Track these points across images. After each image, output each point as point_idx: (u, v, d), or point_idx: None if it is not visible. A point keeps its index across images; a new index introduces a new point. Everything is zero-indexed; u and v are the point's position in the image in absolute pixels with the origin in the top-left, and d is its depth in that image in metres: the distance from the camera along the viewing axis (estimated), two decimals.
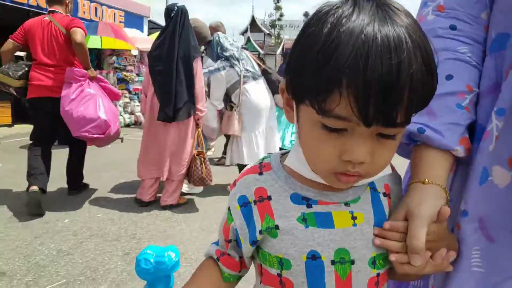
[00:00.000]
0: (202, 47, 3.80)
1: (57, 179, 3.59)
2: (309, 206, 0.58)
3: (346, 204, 0.58)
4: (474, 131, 0.65)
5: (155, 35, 10.88)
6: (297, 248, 0.56)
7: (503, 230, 0.56)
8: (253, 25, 34.63)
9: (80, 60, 3.15)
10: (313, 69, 0.45)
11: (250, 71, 3.52)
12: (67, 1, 3.29)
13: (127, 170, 4.29)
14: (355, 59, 0.42)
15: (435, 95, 0.52)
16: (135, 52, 9.21)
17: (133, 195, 3.46)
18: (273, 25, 34.33)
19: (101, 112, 3.07)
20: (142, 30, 11.10)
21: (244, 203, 0.60)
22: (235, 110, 3.50)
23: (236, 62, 3.46)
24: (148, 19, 12.11)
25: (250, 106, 3.52)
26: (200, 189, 3.71)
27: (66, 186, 3.56)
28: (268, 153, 0.67)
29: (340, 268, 0.57)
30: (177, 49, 3.12)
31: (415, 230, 0.53)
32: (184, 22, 3.18)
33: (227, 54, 3.45)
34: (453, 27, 0.64)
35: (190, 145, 3.29)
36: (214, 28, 3.85)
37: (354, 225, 0.57)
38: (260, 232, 0.59)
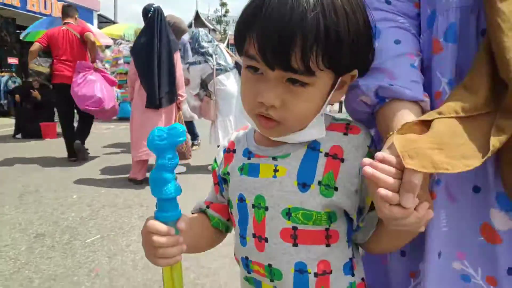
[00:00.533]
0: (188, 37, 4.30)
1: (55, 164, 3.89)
2: (249, 158, 0.67)
3: (274, 158, 0.64)
4: None
5: (107, 29, 10.86)
6: (234, 191, 0.68)
7: (464, 190, 0.59)
8: (197, 20, 34.63)
9: (91, 54, 4.56)
10: (239, 18, 0.58)
11: (222, 64, 4.09)
12: (76, 16, 4.75)
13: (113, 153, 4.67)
14: (258, 7, 0.52)
15: (390, 56, 0.60)
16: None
17: (126, 175, 3.89)
18: (219, 21, 34.60)
19: (97, 91, 4.33)
20: (92, 24, 11.02)
21: (223, 152, 0.74)
22: (212, 99, 4.05)
23: (210, 58, 4.02)
24: (98, 13, 12.02)
25: (224, 94, 4.10)
26: (183, 168, 4.24)
27: (65, 170, 3.90)
28: None
29: (257, 212, 0.64)
30: (158, 45, 3.59)
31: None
32: (161, 21, 3.67)
33: (202, 50, 4.01)
34: (388, 2, 0.67)
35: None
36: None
37: (274, 176, 0.63)
38: (219, 175, 0.73)
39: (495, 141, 0.49)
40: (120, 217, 2.88)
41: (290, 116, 0.57)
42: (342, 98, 0.69)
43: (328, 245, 0.62)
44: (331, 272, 0.63)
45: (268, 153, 0.65)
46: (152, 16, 3.60)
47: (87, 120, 4.81)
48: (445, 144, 0.49)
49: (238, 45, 0.59)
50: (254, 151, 0.67)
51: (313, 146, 0.63)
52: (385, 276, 0.74)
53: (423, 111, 0.60)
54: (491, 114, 0.53)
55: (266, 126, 0.60)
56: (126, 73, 7.73)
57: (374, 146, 0.64)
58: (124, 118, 8.43)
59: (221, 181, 0.72)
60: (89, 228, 2.67)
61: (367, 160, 0.50)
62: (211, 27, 35.81)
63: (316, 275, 0.62)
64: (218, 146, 4.24)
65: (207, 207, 0.74)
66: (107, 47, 9.97)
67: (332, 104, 0.78)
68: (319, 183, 0.61)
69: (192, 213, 0.75)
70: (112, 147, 5.83)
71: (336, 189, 0.61)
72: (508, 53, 0.50)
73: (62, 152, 4.79)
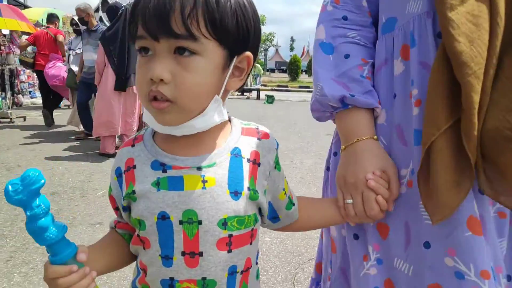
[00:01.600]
0: None
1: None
2: (164, 171, 0.60)
3: (199, 168, 0.60)
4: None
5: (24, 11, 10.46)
6: (149, 209, 0.60)
7: None
8: (104, 4, 32.94)
9: (61, 50, 6.35)
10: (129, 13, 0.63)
11: None
12: (56, 22, 6.66)
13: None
14: None
15: (343, 71, 0.74)
16: (6, 31, 8.85)
17: (96, 151, 4.43)
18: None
19: (62, 72, 6.01)
20: None
21: (119, 174, 0.64)
22: None
23: None
24: None
25: None
26: None
27: (33, 148, 4.26)
28: (145, 128, 0.69)
29: (188, 227, 0.59)
30: (127, 37, 4.21)
31: (396, 185, 0.69)
32: None
33: None
34: (345, 18, 0.78)
35: (138, 106, 4.44)
36: (83, 11, 4.81)
37: (204, 188, 0.59)
38: (123, 198, 0.62)
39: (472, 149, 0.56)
40: None
41: (182, 91, 0.55)
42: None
43: (251, 244, 0.65)
44: (251, 266, 0.67)
45: (189, 163, 0.61)
46: (122, 12, 4.19)
47: (56, 97, 6.49)
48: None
49: (132, 35, 0.58)
50: (169, 162, 0.61)
51: (235, 153, 0.63)
52: (342, 258, 0.82)
53: (375, 115, 0.74)
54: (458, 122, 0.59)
55: (159, 107, 0.56)
56: None
57: (278, 146, 0.70)
58: None
59: (122, 207, 0.65)
60: (92, 186, 3.28)
61: (370, 175, 0.67)
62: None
63: (241, 272, 0.64)
64: None
65: (115, 226, 0.71)
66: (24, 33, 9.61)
67: (234, 91, 0.73)
68: (248, 188, 0.62)
69: (110, 228, 0.73)
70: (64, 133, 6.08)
71: (257, 191, 0.64)
72: (460, 56, 0.56)
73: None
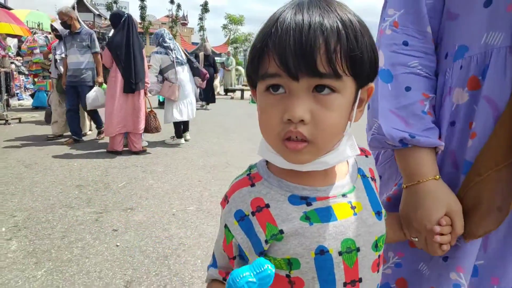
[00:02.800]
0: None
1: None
2: (308, 204, 0.57)
3: (344, 195, 0.59)
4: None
5: None
6: (305, 246, 0.56)
7: None
8: (80, 4, 32.47)
9: None
10: (251, 48, 0.55)
11: (179, 59, 5.18)
12: None
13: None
14: (275, 26, 0.50)
15: (404, 104, 0.71)
16: None
17: (102, 150, 4.75)
18: (109, 8, 32.98)
19: None
20: None
21: (241, 217, 0.59)
22: (176, 84, 5.11)
23: (170, 52, 5.07)
24: None
25: (180, 82, 5.20)
26: (181, 140, 5.39)
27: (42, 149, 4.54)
28: (250, 165, 0.66)
29: (348, 257, 0.57)
30: (132, 43, 4.56)
31: (460, 223, 0.69)
32: (133, 24, 4.64)
33: (166, 45, 5.03)
34: (405, 43, 0.73)
35: (143, 107, 4.78)
36: (65, 14, 4.93)
37: (355, 214, 0.58)
38: (266, 241, 0.57)
39: None
40: (129, 172, 3.87)
41: (322, 131, 0.52)
42: None
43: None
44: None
45: (333, 192, 0.59)
46: (126, 20, 4.52)
47: None
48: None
49: (253, 73, 0.55)
50: (311, 194, 0.58)
51: (362, 174, 0.64)
52: None
53: (437, 152, 0.73)
54: None
55: (296, 148, 0.52)
56: (42, 63, 7.99)
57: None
58: (40, 107, 8.58)
59: (259, 252, 0.58)
60: (111, 179, 3.62)
61: (437, 228, 0.68)
62: (96, 12, 33.91)
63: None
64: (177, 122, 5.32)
65: (224, 279, 0.65)
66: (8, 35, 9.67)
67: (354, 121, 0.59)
68: (382, 205, 0.63)
69: (207, 282, 0.68)
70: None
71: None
72: None
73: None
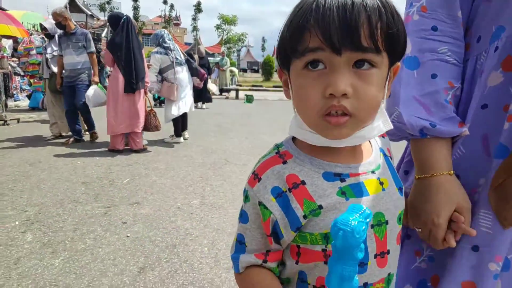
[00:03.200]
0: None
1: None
2: (342, 180, 0.60)
3: (373, 172, 0.63)
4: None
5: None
6: None
7: None
8: (73, 5, 32.42)
9: None
10: (288, 24, 0.55)
11: (178, 59, 5.31)
12: None
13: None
14: (316, 4, 0.51)
15: (428, 91, 0.69)
16: None
17: (103, 148, 4.86)
18: (102, 8, 32.89)
19: None
20: None
21: (278, 194, 0.60)
22: (174, 83, 5.23)
23: (170, 52, 5.20)
24: None
25: (179, 81, 5.33)
26: (180, 139, 5.56)
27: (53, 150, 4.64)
28: (277, 143, 0.68)
29: (378, 230, 0.61)
30: (132, 43, 4.68)
31: (468, 221, 0.69)
32: (132, 26, 4.77)
33: (165, 45, 5.16)
34: (434, 28, 0.71)
35: (144, 106, 4.91)
36: (60, 15, 4.99)
37: (383, 189, 0.63)
38: (304, 216, 0.59)
39: None
40: (132, 169, 3.99)
41: (363, 103, 0.53)
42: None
43: None
44: None
45: (363, 169, 0.62)
46: (125, 21, 4.64)
47: None
48: None
49: (293, 49, 0.55)
50: (344, 171, 0.61)
51: (383, 153, 0.68)
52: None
53: (454, 139, 0.72)
54: None
55: (338, 123, 0.53)
56: (38, 64, 8.07)
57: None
58: (36, 108, 8.64)
59: (296, 228, 0.59)
60: (115, 176, 3.75)
61: (450, 233, 0.69)
62: (89, 13, 33.84)
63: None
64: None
65: (264, 261, 0.64)
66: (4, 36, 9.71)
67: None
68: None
69: (240, 272, 0.66)
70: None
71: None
72: None
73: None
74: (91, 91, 4.97)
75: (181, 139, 5.63)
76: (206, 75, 5.96)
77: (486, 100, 0.70)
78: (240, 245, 0.66)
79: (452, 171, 0.71)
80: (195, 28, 40.33)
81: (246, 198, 0.64)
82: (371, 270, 0.61)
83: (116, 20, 4.76)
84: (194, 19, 40.18)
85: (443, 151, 0.71)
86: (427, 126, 0.70)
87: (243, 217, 0.65)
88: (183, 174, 3.92)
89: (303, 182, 0.60)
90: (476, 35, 0.73)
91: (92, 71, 5.24)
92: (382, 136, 0.72)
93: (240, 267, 0.66)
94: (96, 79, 5.18)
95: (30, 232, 2.48)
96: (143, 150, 4.92)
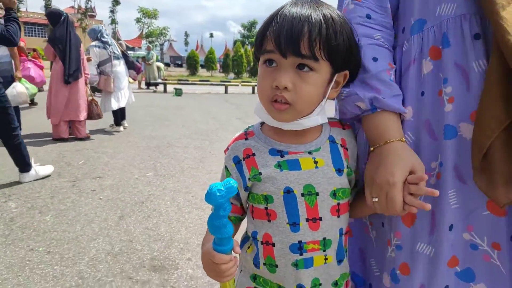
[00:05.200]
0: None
1: None
2: (282, 156, 0.76)
3: (310, 152, 0.76)
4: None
5: None
6: (276, 186, 0.75)
7: (471, 174, 0.70)
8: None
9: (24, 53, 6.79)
10: (258, 31, 0.73)
11: (116, 53, 5.73)
12: None
13: None
14: (277, 16, 0.69)
15: (373, 73, 0.75)
16: None
17: (48, 138, 5.13)
18: None
19: (31, 72, 6.63)
20: None
21: (237, 161, 0.79)
22: (111, 76, 5.64)
23: (108, 46, 5.60)
24: None
25: (116, 74, 5.76)
26: (120, 128, 5.88)
27: None
28: (249, 126, 0.85)
29: (309, 198, 0.74)
30: (71, 38, 5.03)
31: (424, 183, 0.69)
32: (70, 23, 5.14)
33: (104, 40, 5.55)
34: (368, 16, 0.78)
35: (85, 95, 5.27)
36: None
37: (316, 167, 0.75)
38: (249, 179, 0.77)
39: None
40: (83, 153, 4.40)
41: (300, 97, 0.69)
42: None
43: (348, 212, 0.81)
44: (348, 231, 0.83)
45: (302, 149, 0.76)
46: (65, 18, 4.98)
47: None
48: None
49: (257, 48, 0.73)
50: (285, 149, 0.76)
51: (331, 140, 0.79)
52: (368, 244, 0.91)
53: (402, 118, 0.78)
54: None
55: (279, 108, 0.70)
56: None
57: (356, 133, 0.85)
58: None
59: (244, 187, 0.77)
60: (71, 158, 4.15)
61: (410, 178, 0.70)
62: None
63: (345, 234, 0.81)
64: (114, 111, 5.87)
65: None
66: None
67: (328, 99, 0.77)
68: (346, 167, 0.78)
69: None
70: None
71: (351, 169, 0.79)
72: None
73: None
74: (11, 89, 4.61)
75: (121, 128, 6.06)
76: (142, 69, 6.40)
77: (423, 88, 0.76)
78: None
79: (403, 138, 0.75)
80: (113, 21, 38.74)
81: (224, 165, 0.83)
82: (303, 231, 0.74)
83: (57, 16, 5.06)
84: (112, 11, 38.61)
85: (394, 123, 0.76)
86: (378, 97, 0.74)
87: (221, 176, 0.84)
88: (132, 155, 4.45)
89: (253, 154, 0.78)
90: (401, 27, 0.81)
91: (14, 65, 5.02)
92: (343, 127, 0.83)
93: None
94: (19, 74, 5.08)
95: (12, 201, 2.90)
96: (87, 138, 5.28)
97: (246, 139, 0.81)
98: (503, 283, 0.72)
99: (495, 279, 0.73)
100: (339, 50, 0.70)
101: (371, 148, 0.77)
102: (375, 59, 0.77)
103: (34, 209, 2.77)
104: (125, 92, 5.97)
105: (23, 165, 3.35)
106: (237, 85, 17.39)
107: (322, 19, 0.68)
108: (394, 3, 0.82)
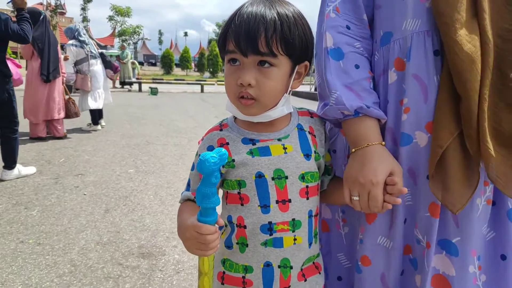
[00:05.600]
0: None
1: None
2: (254, 144, 0.81)
3: (279, 139, 0.82)
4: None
5: None
6: (248, 171, 0.79)
7: (422, 177, 0.78)
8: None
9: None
10: (220, 32, 0.78)
11: (93, 52, 5.76)
12: None
13: None
14: (235, 17, 0.74)
15: (355, 80, 0.80)
16: None
17: (26, 137, 5.12)
18: None
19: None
20: None
21: (211, 150, 0.75)
22: (88, 75, 5.67)
23: (85, 45, 5.62)
24: None
25: (93, 73, 5.79)
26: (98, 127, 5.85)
27: None
28: (224, 119, 0.90)
29: (279, 182, 0.80)
30: (49, 37, 5.05)
31: (401, 183, 0.75)
32: (48, 22, 5.15)
33: (81, 39, 5.57)
34: (348, 27, 0.82)
35: (62, 94, 5.29)
36: None
37: (285, 153, 0.81)
38: (223, 166, 0.80)
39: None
40: (62, 151, 4.44)
41: (264, 92, 0.75)
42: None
43: (317, 194, 0.86)
44: (317, 214, 0.87)
45: (271, 136, 0.82)
46: (44, 17, 4.99)
47: None
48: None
49: (221, 49, 0.79)
50: (256, 137, 0.82)
51: (300, 128, 0.85)
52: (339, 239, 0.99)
53: (380, 124, 0.81)
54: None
55: (246, 104, 0.76)
56: None
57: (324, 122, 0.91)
58: None
59: (220, 173, 0.80)
60: (51, 157, 4.18)
61: (389, 179, 0.75)
62: None
63: (314, 216, 0.85)
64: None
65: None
66: None
67: (291, 90, 0.83)
68: (314, 152, 0.84)
69: (180, 202, 0.87)
70: None
71: (318, 154, 0.85)
72: (463, 74, 0.68)
73: None
74: None
75: (99, 127, 6.09)
76: (119, 68, 6.44)
77: (388, 97, 0.81)
78: (187, 186, 0.88)
79: (383, 142, 0.79)
80: (85, 19, 37.76)
81: (196, 153, 0.88)
82: (274, 212, 0.79)
83: (36, 15, 5.05)
84: (83, 9, 37.63)
85: (375, 127, 0.80)
86: (363, 107, 0.78)
87: (192, 166, 0.88)
88: (112, 153, 4.53)
89: (227, 143, 0.82)
90: (374, 37, 0.86)
91: None
92: (311, 116, 0.90)
93: (181, 199, 0.87)
94: None
95: None
96: (64, 137, 5.30)
97: (221, 130, 0.86)
98: (426, 278, 0.79)
99: (425, 274, 0.79)
100: (295, 45, 0.75)
101: (352, 150, 0.81)
102: (357, 67, 0.82)
103: (19, 205, 2.85)
104: (102, 91, 6.01)
105: (10, 162, 3.43)
106: (213, 84, 17.49)
107: (276, 17, 0.73)
108: (370, 14, 0.86)
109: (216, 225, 0.68)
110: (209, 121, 7.26)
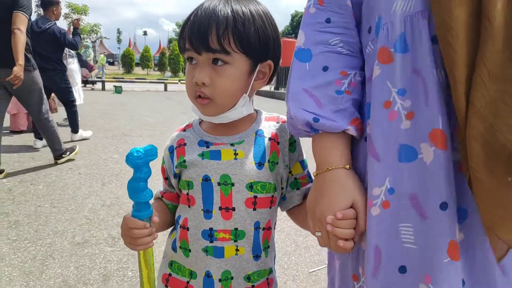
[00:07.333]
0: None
1: None
2: (207, 147, 0.81)
3: (232, 144, 0.80)
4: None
5: None
6: (197, 173, 0.79)
7: (433, 206, 0.55)
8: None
9: None
10: (179, 32, 0.77)
11: (71, 52, 6.17)
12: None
13: None
14: (192, 16, 0.74)
15: (319, 84, 0.68)
16: None
17: (7, 131, 5.46)
18: None
19: None
20: None
21: (171, 151, 0.86)
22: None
23: None
24: None
25: (71, 72, 6.20)
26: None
27: None
28: (193, 119, 0.90)
29: (224, 188, 0.77)
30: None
31: (364, 219, 0.62)
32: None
33: None
34: (328, 20, 0.71)
35: None
36: None
37: (235, 159, 0.78)
38: (176, 166, 0.82)
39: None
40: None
41: (218, 91, 0.73)
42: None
43: (270, 208, 0.82)
44: (271, 227, 0.84)
45: (225, 141, 0.80)
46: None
47: None
48: None
49: (181, 48, 0.78)
50: (211, 140, 0.81)
51: (259, 134, 0.82)
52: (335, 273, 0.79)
53: (351, 135, 0.67)
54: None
55: (202, 103, 0.75)
56: None
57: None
58: None
59: (173, 174, 0.83)
60: (33, 153, 4.62)
61: (329, 218, 0.63)
62: None
63: (263, 229, 0.81)
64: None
65: (162, 196, 0.91)
66: None
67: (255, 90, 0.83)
68: (268, 161, 0.80)
69: (152, 202, 0.83)
70: None
71: (277, 163, 0.81)
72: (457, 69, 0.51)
73: None
74: None
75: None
76: (94, 67, 6.86)
77: (368, 98, 0.66)
78: (161, 185, 0.93)
79: (348, 166, 0.66)
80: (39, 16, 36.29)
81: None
82: (216, 218, 0.78)
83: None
84: (38, 5, 36.16)
85: (338, 145, 0.67)
86: (310, 121, 0.66)
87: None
88: (94, 143, 5.02)
89: (185, 144, 0.84)
90: (367, 26, 0.69)
91: None
92: (277, 122, 0.86)
93: (152, 198, 0.85)
94: None
95: None
96: None
97: (184, 130, 0.89)
98: None
99: None
100: (251, 42, 0.73)
101: (315, 173, 0.71)
102: (325, 69, 0.69)
103: (25, 181, 3.34)
104: (79, 88, 6.42)
105: (76, 126, 5.23)
106: (177, 83, 17.88)
107: (229, 13, 0.72)
108: (357, 2, 0.71)
109: (150, 221, 0.73)
110: (177, 117, 7.81)
